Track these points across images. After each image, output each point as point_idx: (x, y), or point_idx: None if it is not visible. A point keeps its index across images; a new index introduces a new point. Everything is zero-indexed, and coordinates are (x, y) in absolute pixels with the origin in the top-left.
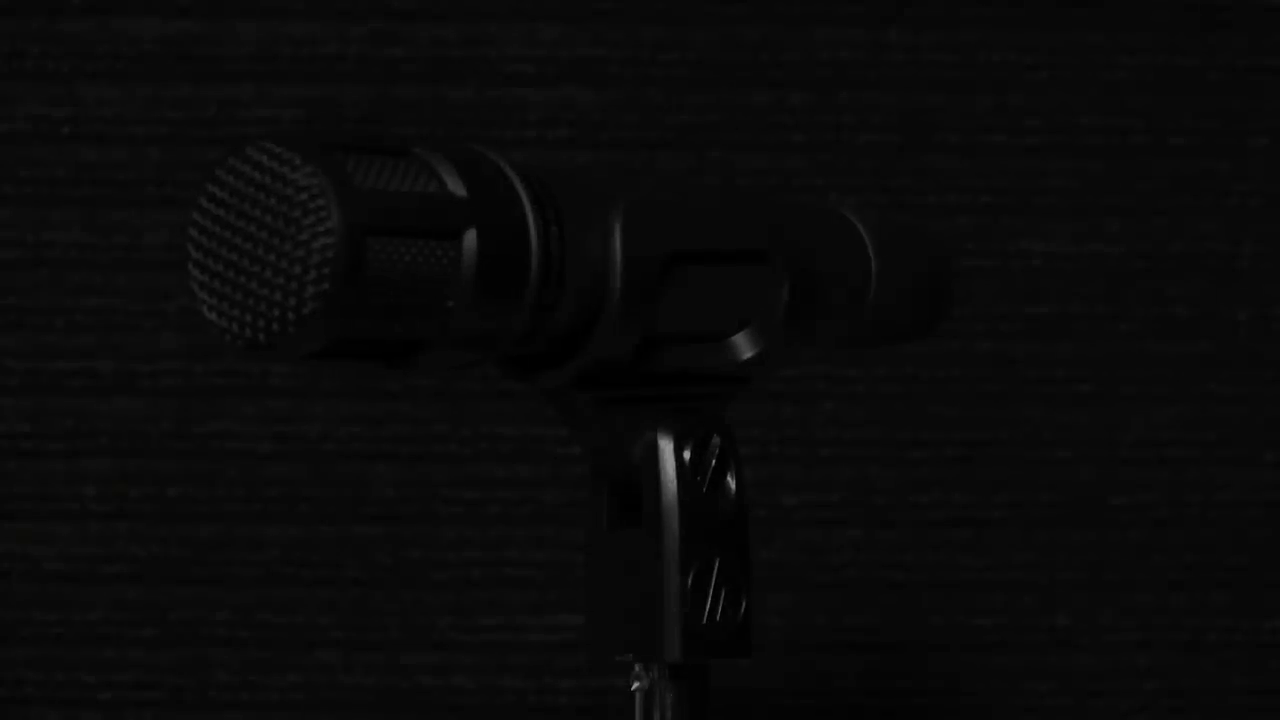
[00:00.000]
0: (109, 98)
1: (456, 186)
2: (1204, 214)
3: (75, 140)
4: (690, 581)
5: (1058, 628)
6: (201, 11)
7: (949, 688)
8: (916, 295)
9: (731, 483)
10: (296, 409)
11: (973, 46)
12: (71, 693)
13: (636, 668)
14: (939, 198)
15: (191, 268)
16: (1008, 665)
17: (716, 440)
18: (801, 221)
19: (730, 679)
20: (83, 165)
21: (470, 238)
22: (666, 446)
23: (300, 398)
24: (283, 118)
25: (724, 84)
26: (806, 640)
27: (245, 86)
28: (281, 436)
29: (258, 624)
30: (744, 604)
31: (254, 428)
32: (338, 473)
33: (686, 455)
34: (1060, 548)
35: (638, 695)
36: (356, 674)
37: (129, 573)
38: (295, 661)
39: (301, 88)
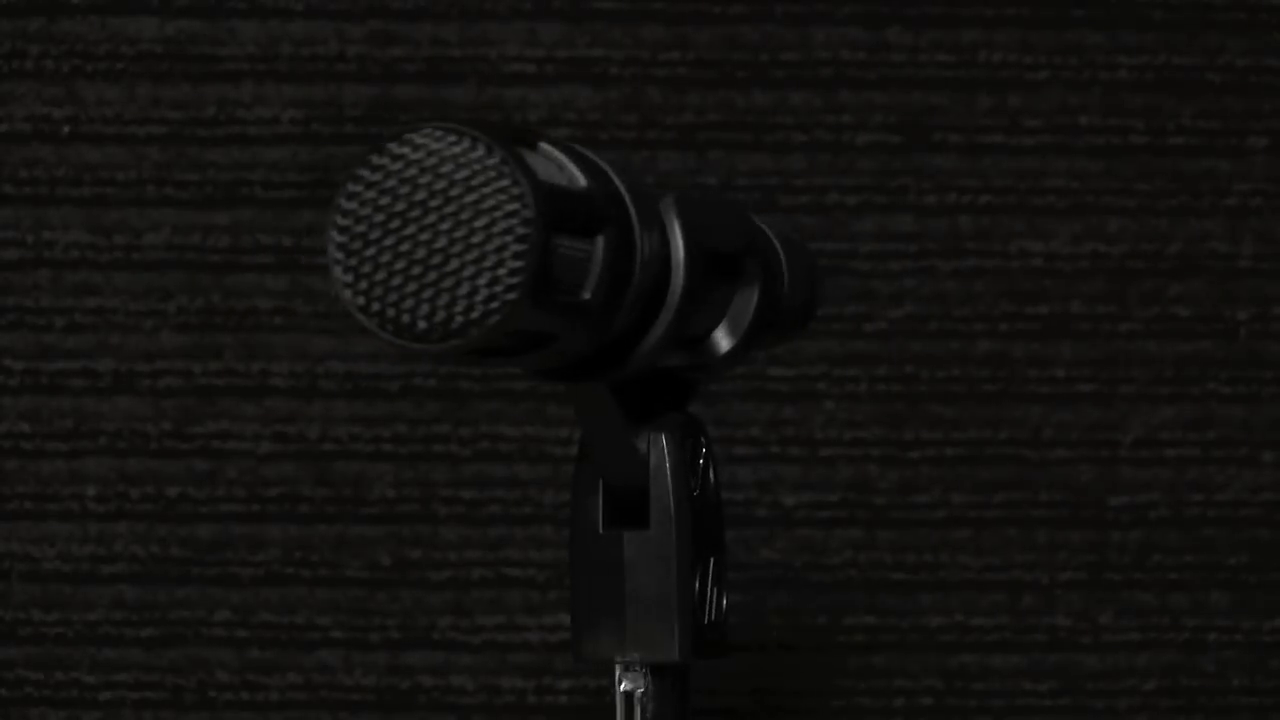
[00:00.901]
0: (109, 98)
1: (580, 181)
2: (1204, 214)
3: (75, 140)
4: (696, 582)
5: (1058, 628)
6: (201, 11)
7: (948, 688)
8: (810, 293)
9: (713, 481)
10: (296, 409)
11: (973, 46)
12: (71, 693)
13: (619, 669)
14: (939, 198)
15: (339, 253)
16: (1008, 665)
17: (702, 439)
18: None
19: (730, 679)
20: (83, 165)
21: (607, 233)
22: (673, 445)
23: (300, 398)
24: (283, 118)
25: (724, 84)
26: (806, 640)
27: (245, 86)
28: (281, 436)
29: (258, 624)
30: (726, 604)
31: (254, 428)
32: (338, 473)
33: (686, 454)
34: (1060, 548)
35: (626, 698)
36: (356, 674)
37: (129, 573)
38: (295, 661)
39: (301, 88)
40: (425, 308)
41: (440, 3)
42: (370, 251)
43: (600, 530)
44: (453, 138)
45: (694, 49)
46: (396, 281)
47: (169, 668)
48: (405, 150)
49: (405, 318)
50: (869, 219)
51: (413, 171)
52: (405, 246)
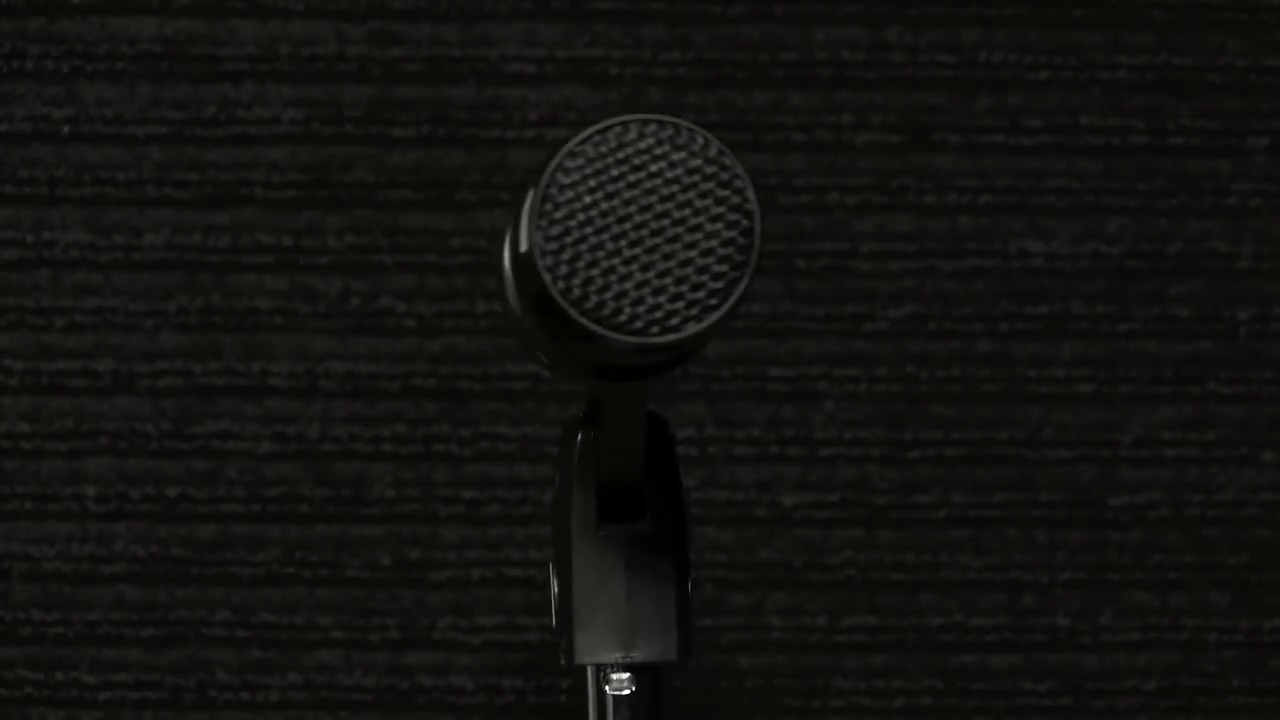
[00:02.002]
0: (109, 98)
1: None
2: (1204, 214)
3: (75, 140)
4: (689, 580)
5: (1058, 628)
6: (201, 11)
7: (948, 688)
8: None
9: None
10: (296, 409)
11: (973, 46)
12: (71, 693)
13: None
14: (939, 198)
15: (551, 245)
16: (1008, 665)
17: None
18: None
19: (730, 679)
20: (83, 165)
21: None
22: (672, 440)
23: (300, 398)
24: (283, 118)
25: (724, 84)
26: (806, 640)
27: (245, 86)
28: (281, 436)
29: (258, 624)
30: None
31: (254, 428)
32: (338, 473)
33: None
34: (1060, 548)
35: (614, 698)
36: (356, 674)
37: (129, 573)
38: (295, 661)
39: (301, 88)
40: (647, 303)
41: (440, 3)
42: (585, 245)
43: (595, 528)
44: (669, 130)
45: (694, 49)
46: (615, 276)
47: (169, 668)
48: (617, 141)
49: (625, 314)
50: (869, 219)
51: (626, 165)
52: (623, 241)
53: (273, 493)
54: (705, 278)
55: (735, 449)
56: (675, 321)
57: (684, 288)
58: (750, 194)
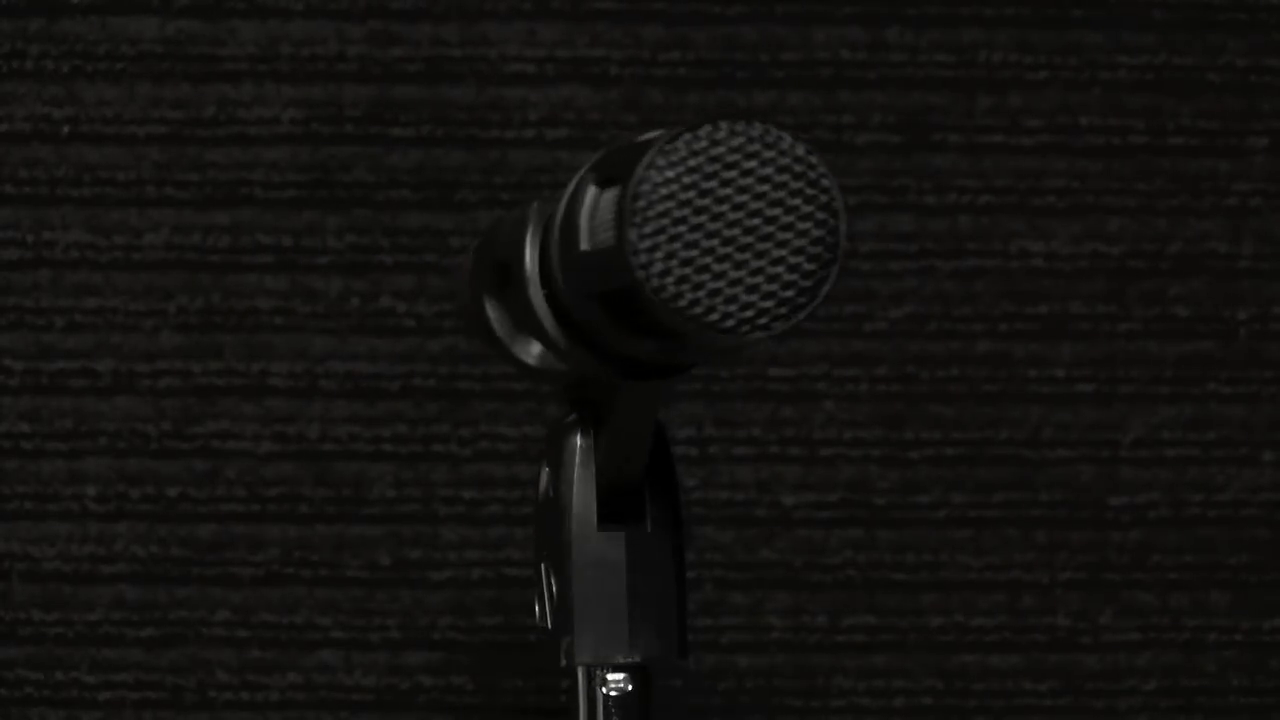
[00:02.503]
0: (109, 98)
1: None
2: (1204, 214)
3: (75, 140)
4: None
5: (1058, 628)
6: (201, 11)
7: (948, 688)
8: None
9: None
10: (296, 409)
11: (973, 46)
12: (71, 693)
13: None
14: (939, 198)
15: (646, 241)
16: (1008, 665)
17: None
18: None
19: (730, 679)
20: (83, 165)
21: None
22: (667, 440)
23: (300, 398)
24: (283, 118)
25: (724, 84)
26: (806, 640)
27: (245, 86)
28: (281, 436)
29: (258, 624)
30: None
31: (254, 428)
32: (338, 473)
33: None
34: (1060, 548)
35: (611, 698)
36: (356, 674)
37: (129, 573)
38: (295, 661)
39: (301, 88)
40: (740, 301)
41: (440, 3)
42: (681, 243)
43: (596, 528)
44: (758, 130)
45: (694, 49)
46: (710, 275)
47: (169, 668)
48: (709, 141)
49: (717, 312)
50: (869, 219)
51: (720, 164)
52: (717, 239)
53: (273, 493)
54: (795, 276)
55: (735, 449)
56: (765, 320)
57: (775, 286)
58: (836, 194)
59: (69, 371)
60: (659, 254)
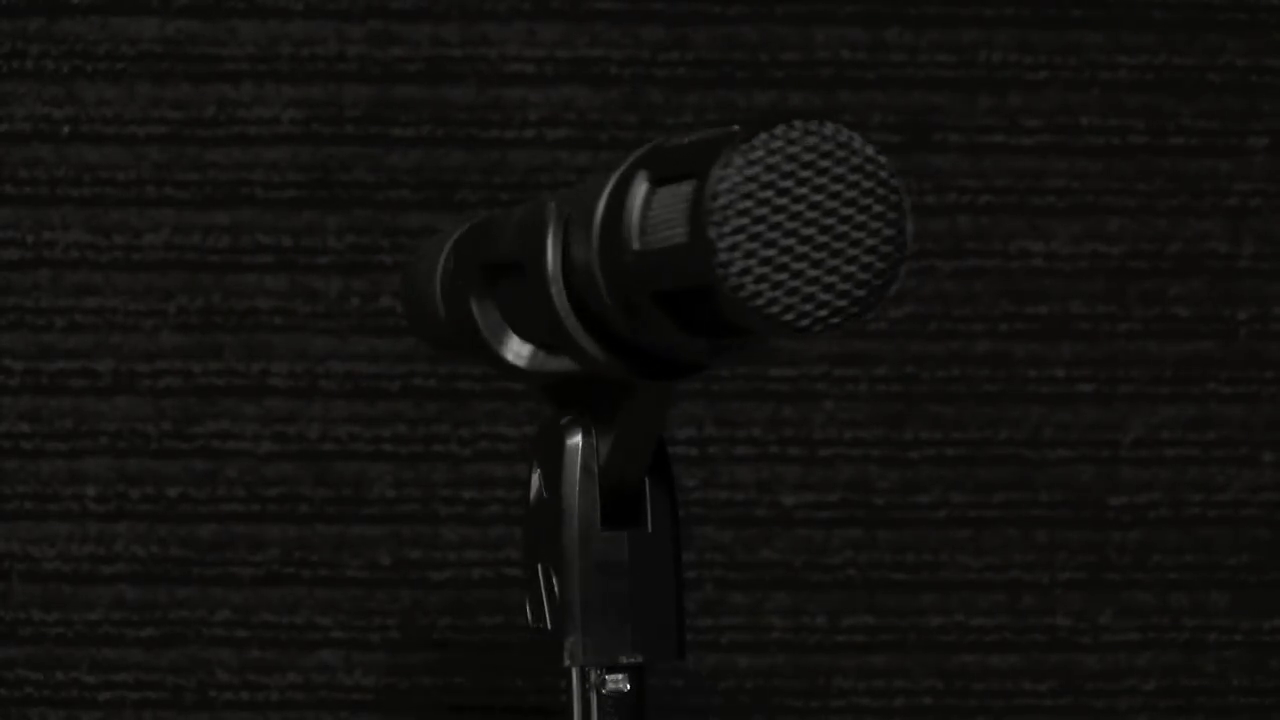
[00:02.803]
0: (109, 98)
1: None
2: (1204, 214)
3: (75, 140)
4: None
5: (1058, 628)
6: (201, 11)
7: (948, 688)
8: None
9: None
10: (296, 409)
11: (973, 46)
12: (71, 693)
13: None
14: (939, 198)
15: (730, 238)
16: (1008, 665)
17: None
18: None
19: (730, 679)
20: (83, 165)
21: None
22: (664, 441)
23: (300, 398)
24: (283, 118)
25: (724, 84)
26: (806, 640)
27: (245, 86)
28: (281, 436)
29: (258, 624)
30: None
31: (254, 428)
32: (338, 473)
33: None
34: (1060, 548)
35: (610, 698)
36: (356, 674)
37: (129, 573)
38: (295, 661)
39: (301, 88)
40: (816, 299)
41: (440, 3)
42: (759, 242)
43: (600, 529)
44: (830, 129)
45: (694, 49)
46: (787, 273)
47: (169, 668)
48: (785, 140)
49: (793, 311)
50: None
51: (796, 163)
52: (794, 238)
53: (273, 493)
54: (867, 275)
55: (735, 449)
56: (837, 319)
57: (848, 285)
58: (903, 193)
59: (69, 371)
60: (738, 253)
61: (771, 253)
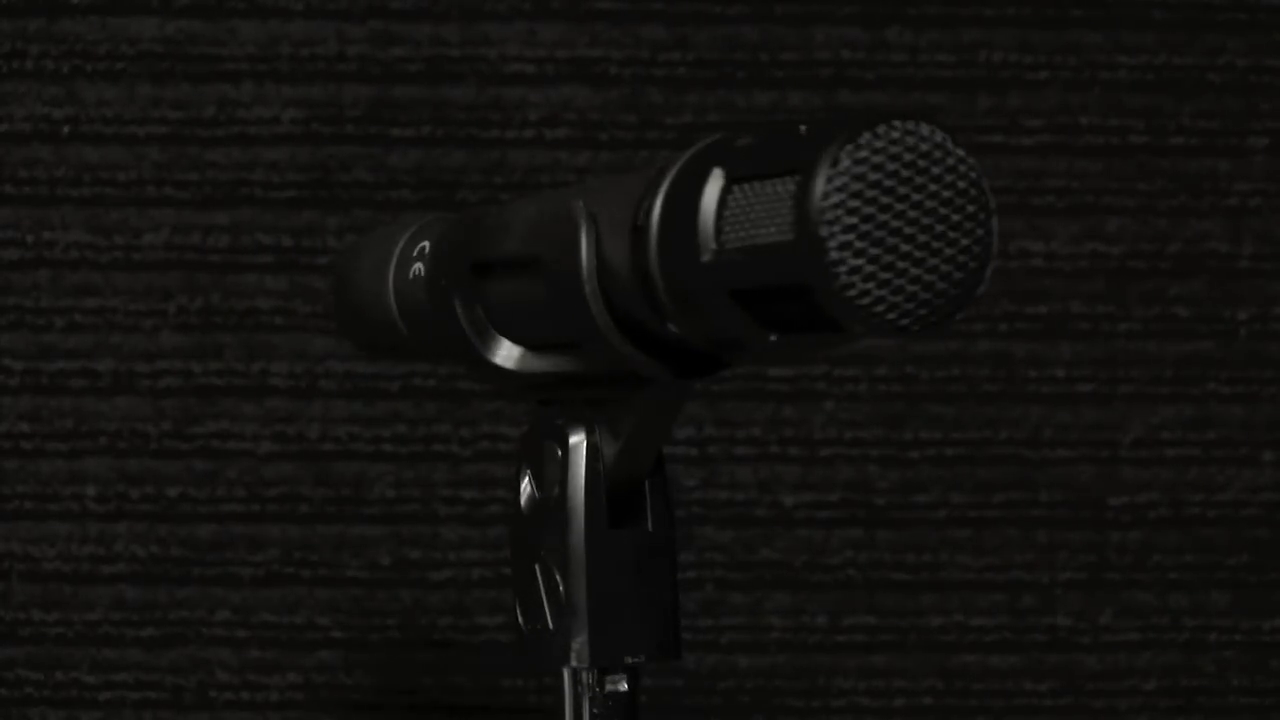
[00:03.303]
0: (109, 98)
1: None
2: (1204, 214)
3: (75, 140)
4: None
5: (1058, 628)
6: (201, 11)
7: (948, 688)
8: None
9: None
10: (296, 409)
11: (973, 46)
12: (71, 693)
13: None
14: None
15: (844, 236)
16: (1008, 665)
17: None
18: None
19: (730, 679)
20: (83, 165)
21: None
22: None
23: (300, 398)
24: (283, 118)
25: (724, 84)
26: (806, 640)
27: (245, 86)
28: (281, 436)
29: (258, 624)
30: None
31: (254, 428)
32: (338, 473)
33: None
34: (1060, 548)
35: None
36: (356, 674)
37: (129, 573)
38: (295, 661)
39: (301, 88)
40: (918, 299)
41: (440, 3)
42: (868, 241)
43: (608, 529)
44: (926, 130)
45: (694, 49)
46: (892, 272)
47: (169, 668)
48: (887, 140)
49: (894, 311)
50: None
51: (898, 163)
52: (898, 238)
53: (273, 493)
54: (962, 275)
55: (735, 449)
56: (935, 319)
57: (946, 285)
58: (989, 195)
59: (69, 371)
60: (848, 251)
61: (878, 251)
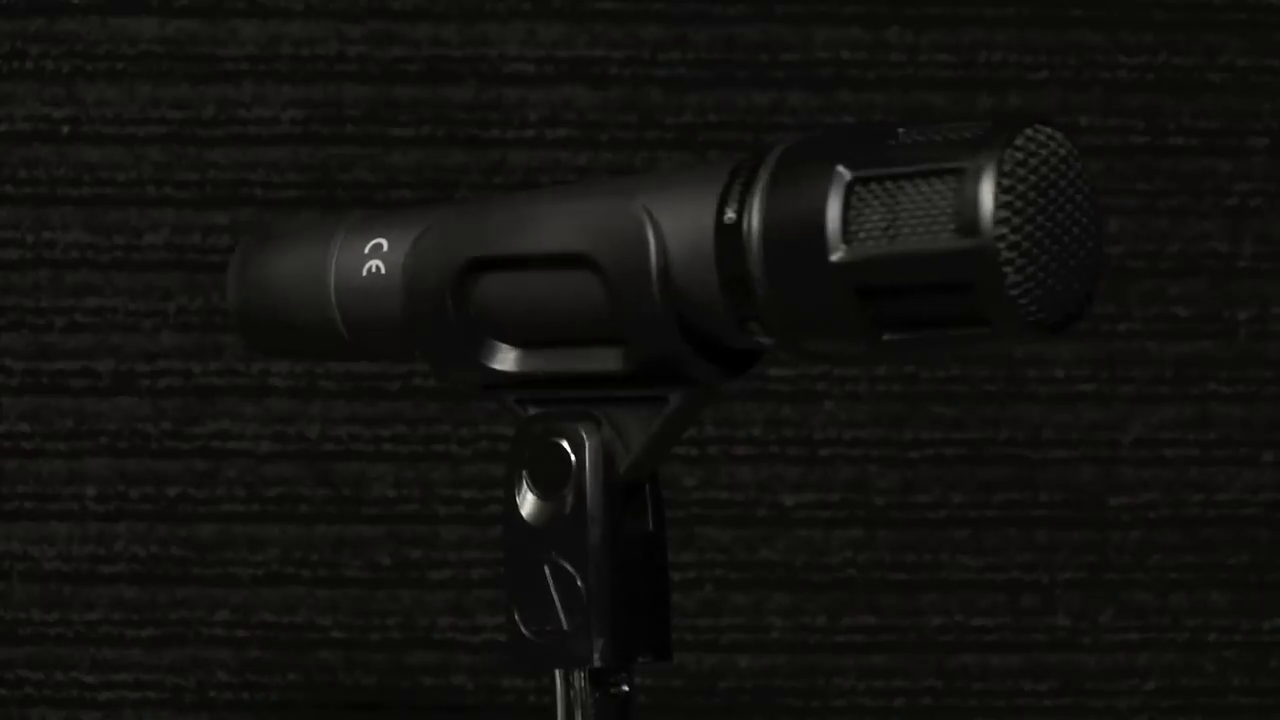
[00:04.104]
0: (109, 98)
1: None
2: (1204, 214)
3: (75, 140)
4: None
5: (1058, 628)
6: (201, 11)
7: (949, 688)
8: None
9: None
10: (296, 409)
11: (973, 46)
12: (71, 693)
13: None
14: None
15: (1013, 237)
16: (1008, 665)
17: None
18: None
19: (731, 679)
20: (83, 165)
21: None
22: None
23: (300, 398)
24: (283, 118)
25: (724, 84)
26: (806, 640)
27: (245, 86)
28: (281, 436)
29: (258, 624)
30: None
31: (254, 428)
32: (338, 473)
33: None
34: (1060, 548)
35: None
36: (356, 674)
37: (129, 573)
38: (295, 661)
39: (301, 88)
40: (1060, 301)
41: (440, 3)
42: (1031, 241)
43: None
44: (1059, 135)
45: (694, 49)
46: (1048, 274)
47: (169, 668)
48: (1036, 145)
49: (1045, 311)
50: None
51: (1048, 167)
52: (1049, 239)
53: (273, 493)
54: (1089, 278)
55: (735, 449)
56: (1075, 321)
57: (1078, 286)
58: (1097, 203)
59: (69, 371)
60: (1016, 252)
61: (1038, 252)
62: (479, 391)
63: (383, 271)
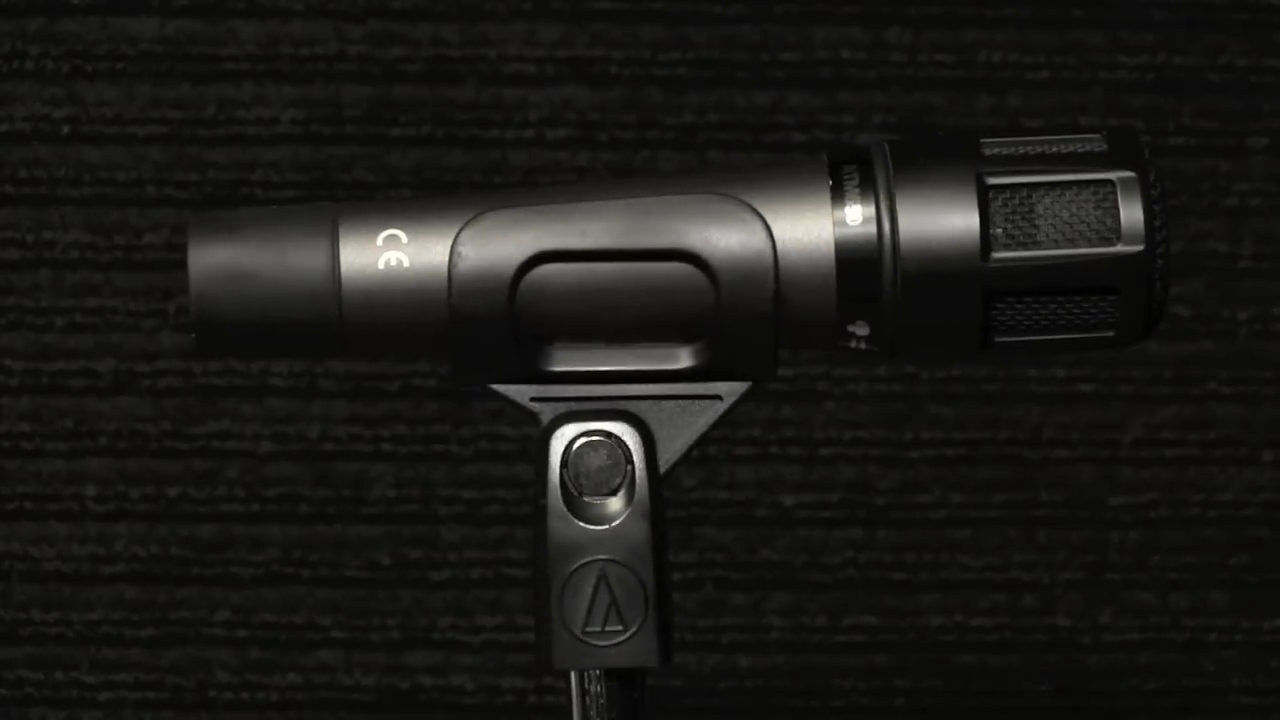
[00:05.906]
0: (109, 98)
1: None
2: (1204, 214)
3: (75, 140)
4: None
5: (1058, 628)
6: (201, 11)
7: (949, 688)
8: None
9: None
10: (296, 409)
11: (973, 46)
12: (71, 693)
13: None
14: None
15: (1164, 245)
16: (1008, 665)
17: None
18: None
19: (730, 679)
20: (83, 165)
21: None
22: None
23: (300, 398)
24: (283, 118)
25: (724, 84)
26: (806, 640)
27: (245, 86)
28: (281, 436)
29: (258, 624)
30: None
31: (254, 428)
32: (338, 473)
33: None
34: (1060, 548)
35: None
36: (356, 674)
37: (129, 573)
38: (295, 661)
39: (301, 88)
40: (1165, 304)
41: (440, 3)
42: (1168, 247)
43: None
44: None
45: (694, 49)
46: (1167, 279)
47: (169, 668)
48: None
49: (1160, 315)
50: None
51: (1164, 180)
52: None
53: (273, 493)
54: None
55: (735, 449)
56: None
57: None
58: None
59: (69, 371)
60: (1164, 260)
61: (1166, 260)
62: (485, 390)
63: (405, 264)
